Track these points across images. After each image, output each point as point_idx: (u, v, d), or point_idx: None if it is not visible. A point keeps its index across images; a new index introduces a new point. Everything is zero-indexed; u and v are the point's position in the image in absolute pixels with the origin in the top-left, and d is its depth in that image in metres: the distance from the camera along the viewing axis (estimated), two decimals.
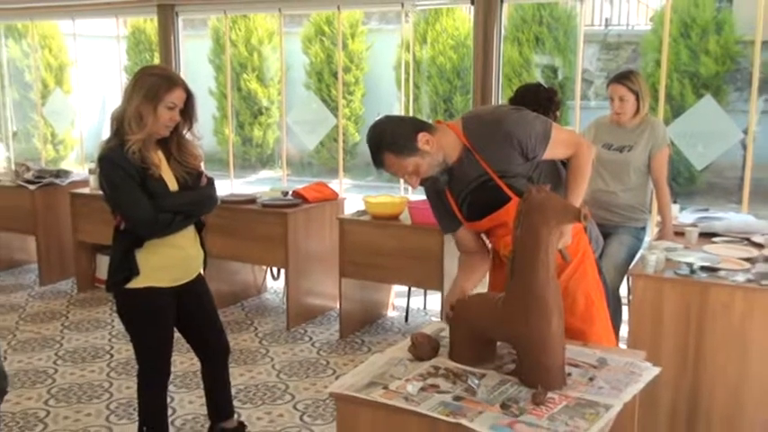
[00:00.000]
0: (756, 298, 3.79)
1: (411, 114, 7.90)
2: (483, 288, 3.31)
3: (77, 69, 10.50)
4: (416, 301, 6.52)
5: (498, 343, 2.73)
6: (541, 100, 4.46)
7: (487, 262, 3.26)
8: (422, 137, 2.93)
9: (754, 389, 3.86)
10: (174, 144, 3.54)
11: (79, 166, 10.87)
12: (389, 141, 2.92)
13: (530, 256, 2.45)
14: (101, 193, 3.52)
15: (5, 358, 4.92)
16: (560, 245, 2.69)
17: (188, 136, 3.59)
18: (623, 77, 4.81)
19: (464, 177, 3.05)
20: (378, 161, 2.97)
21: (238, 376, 5.03)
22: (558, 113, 4.59)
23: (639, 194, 4.86)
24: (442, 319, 3.02)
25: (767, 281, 3.83)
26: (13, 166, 8.47)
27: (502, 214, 3.01)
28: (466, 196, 3.09)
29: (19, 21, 11.74)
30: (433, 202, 3.25)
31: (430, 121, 3.14)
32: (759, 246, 4.54)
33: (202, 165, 3.67)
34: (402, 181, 7.18)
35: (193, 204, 3.58)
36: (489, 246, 3.27)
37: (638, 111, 4.78)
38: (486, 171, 3.01)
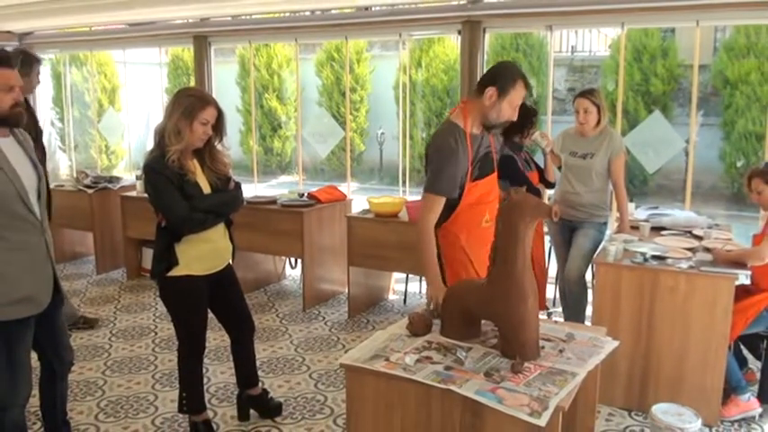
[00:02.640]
0: (697, 282, 3.82)
1: (407, 128, 7.88)
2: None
3: (127, 91, 10.50)
4: (413, 286, 6.50)
5: (482, 321, 2.73)
6: (521, 115, 4.52)
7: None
8: None
9: (694, 357, 3.88)
10: (207, 154, 3.53)
11: (128, 172, 10.84)
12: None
13: (509, 247, 2.45)
14: (146, 195, 3.52)
15: (71, 335, 4.92)
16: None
17: (219, 147, 3.59)
18: (588, 93, 4.81)
19: (483, 142, 3.29)
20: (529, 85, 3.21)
21: (262, 351, 5.02)
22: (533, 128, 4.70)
23: (601, 195, 4.84)
24: (431, 307, 2.99)
25: (706, 267, 3.86)
26: (74, 174, 8.46)
27: (491, 180, 3.31)
28: (479, 159, 3.26)
29: (80, 51, 11.74)
30: (456, 161, 3.19)
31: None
32: (699, 238, 4.56)
33: (231, 171, 3.67)
34: (401, 183, 7.20)
35: (223, 205, 3.57)
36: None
37: (598, 122, 4.76)
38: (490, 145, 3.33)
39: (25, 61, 4.93)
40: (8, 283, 2.91)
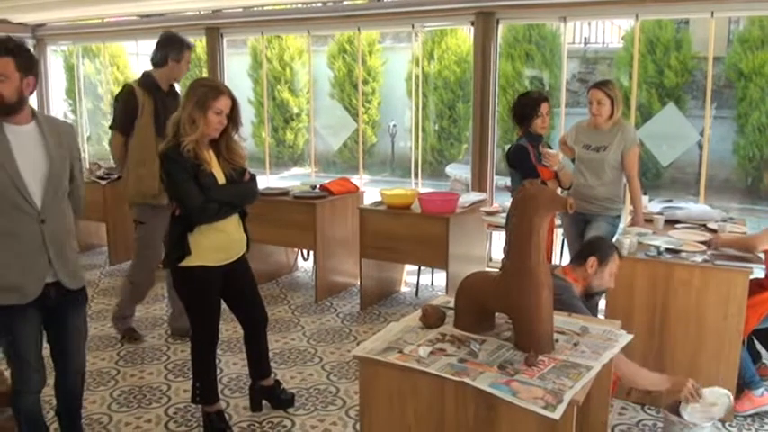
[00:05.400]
0: (711, 275, 3.80)
1: (419, 120, 7.87)
2: None
3: None
4: (425, 279, 6.49)
5: (496, 313, 2.72)
6: (525, 103, 4.75)
7: None
8: None
9: (707, 351, 3.87)
10: (222, 145, 3.53)
11: None
12: None
13: (524, 239, 2.43)
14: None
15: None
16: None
17: (235, 138, 3.59)
18: (602, 84, 4.76)
19: None
20: None
21: (274, 342, 5.02)
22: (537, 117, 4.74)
23: (614, 188, 4.81)
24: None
25: (720, 261, 3.84)
26: (87, 165, 8.50)
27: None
28: None
29: (93, 43, 11.77)
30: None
31: None
32: (713, 231, 4.52)
33: (246, 163, 3.67)
34: (413, 176, 7.19)
35: (238, 196, 3.57)
36: None
37: (611, 114, 4.73)
38: None
39: (173, 46, 4.78)
40: None
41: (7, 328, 3.02)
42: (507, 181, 4.96)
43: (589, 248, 3.52)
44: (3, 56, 2.85)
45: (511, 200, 4.86)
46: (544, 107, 4.69)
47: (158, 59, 4.79)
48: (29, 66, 2.93)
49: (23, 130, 2.95)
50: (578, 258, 3.50)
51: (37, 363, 3.10)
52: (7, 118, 2.91)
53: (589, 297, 3.48)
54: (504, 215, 5.09)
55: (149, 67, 4.87)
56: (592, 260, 3.40)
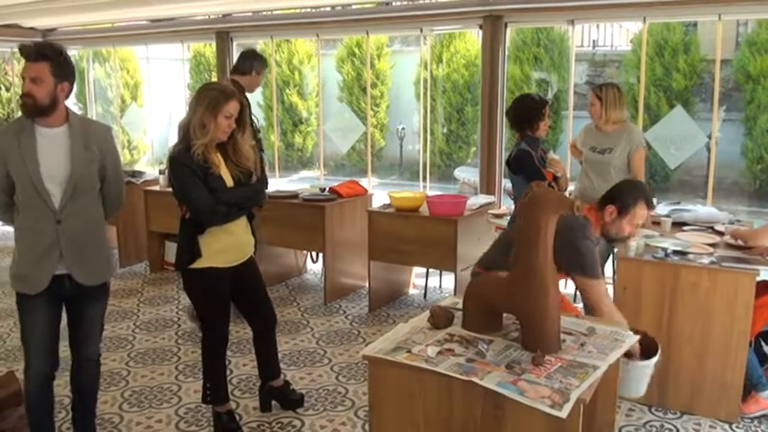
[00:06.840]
0: (718, 277, 3.79)
1: (428, 123, 7.89)
2: None
3: (149, 87, 10.56)
4: (433, 281, 6.51)
5: (504, 314, 2.74)
6: (530, 109, 4.66)
7: None
8: None
9: (714, 353, 3.87)
10: (230, 148, 3.56)
11: (150, 167, 10.92)
12: None
13: (531, 240, 2.45)
14: (169, 189, 3.56)
15: None
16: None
17: (247, 137, 3.63)
18: (597, 86, 4.87)
19: None
20: None
21: (284, 343, 5.05)
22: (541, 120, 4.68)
23: None
24: None
25: (727, 263, 3.84)
26: None
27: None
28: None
29: (103, 47, 11.83)
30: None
31: None
32: (720, 233, 4.53)
33: (266, 166, 3.69)
34: (421, 179, 7.20)
35: (246, 198, 3.60)
36: None
37: (601, 116, 4.78)
38: None
39: (259, 60, 5.21)
40: (15, 257, 3.14)
41: (20, 314, 3.20)
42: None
43: (612, 194, 3.46)
44: (39, 60, 3.00)
45: (514, 204, 4.89)
46: (547, 109, 4.71)
47: (246, 68, 5.23)
48: (64, 72, 3.06)
49: (54, 132, 3.08)
50: (603, 201, 3.45)
51: (41, 350, 3.21)
52: (39, 119, 3.04)
53: (610, 241, 3.49)
54: None
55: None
56: (611, 208, 3.37)
